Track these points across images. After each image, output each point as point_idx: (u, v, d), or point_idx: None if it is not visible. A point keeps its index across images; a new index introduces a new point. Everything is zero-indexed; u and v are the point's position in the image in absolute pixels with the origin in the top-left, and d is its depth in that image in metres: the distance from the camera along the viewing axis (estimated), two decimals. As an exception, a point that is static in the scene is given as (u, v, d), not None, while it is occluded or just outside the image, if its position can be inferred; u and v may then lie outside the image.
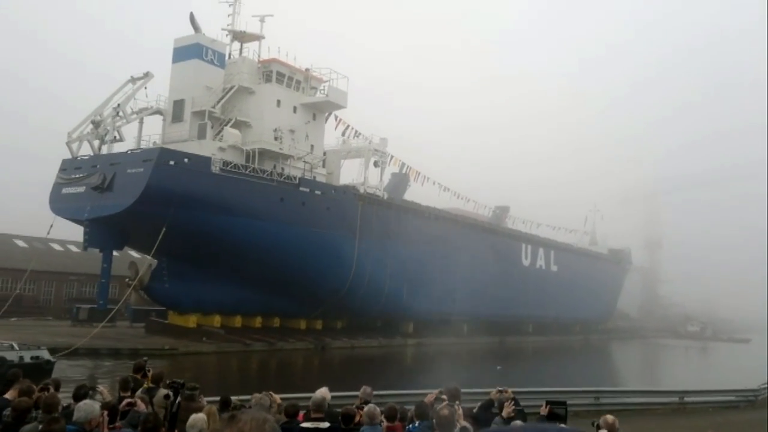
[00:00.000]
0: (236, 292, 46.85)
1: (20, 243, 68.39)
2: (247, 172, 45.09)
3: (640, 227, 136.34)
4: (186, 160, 42.60)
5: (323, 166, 54.53)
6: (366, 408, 7.56)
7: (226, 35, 52.44)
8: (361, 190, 54.54)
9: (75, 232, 47.44)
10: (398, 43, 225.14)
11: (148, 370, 10.78)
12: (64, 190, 45.15)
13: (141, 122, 49.81)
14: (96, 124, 45.88)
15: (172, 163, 42.07)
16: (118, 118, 46.48)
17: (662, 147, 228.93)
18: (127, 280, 45.63)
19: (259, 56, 53.31)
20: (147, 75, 48.51)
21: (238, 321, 48.86)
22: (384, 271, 54.78)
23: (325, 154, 55.26)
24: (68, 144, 46.44)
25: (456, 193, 68.38)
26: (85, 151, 47.36)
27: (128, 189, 41.42)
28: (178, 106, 48.94)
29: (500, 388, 9.39)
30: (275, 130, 49.36)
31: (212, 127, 47.12)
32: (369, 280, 53.39)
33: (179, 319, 46.76)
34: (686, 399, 25.54)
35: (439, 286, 60.77)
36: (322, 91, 53.55)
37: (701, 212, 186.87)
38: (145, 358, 11.96)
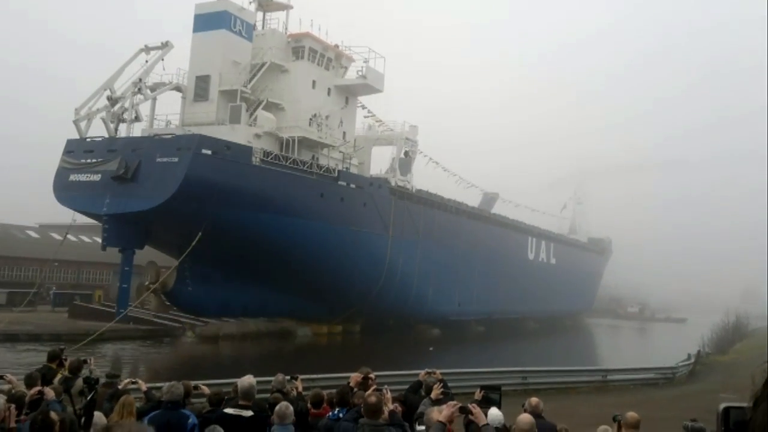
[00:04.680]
0: (262, 294, 41.97)
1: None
2: (287, 163, 39.74)
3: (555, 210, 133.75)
4: (227, 149, 36.86)
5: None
6: (277, 407, 7.02)
7: (250, 2, 46.19)
8: (392, 183, 49.96)
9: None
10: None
11: (65, 359, 10.04)
12: (73, 177, 38.54)
13: (154, 100, 43.33)
14: (112, 101, 39.20)
15: (208, 152, 36.28)
16: (139, 94, 39.90)
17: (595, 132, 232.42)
18: (147, 283, 39.62)
19: (286, 28, 47.32)
20: (166, 45, 41.89)
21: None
22: (413, 271, 50.74)
23: (355, 141, 50.14)
24: (76, 122, 39.59)
25: (458, 178, 64.28)
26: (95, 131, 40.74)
27: (160, 181, 35.43)
28: (202, 82, 42.66)
29: (428, 370, 9.31)
30: (315, 116, 43.85)
31: (247, 111, 41.18)
32: (399, 280, 49.22)
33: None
34: (609, 377, 26.80)
35: (461, 285, 57.25)
36: (359, 72, 48.03)
37: (626, 197, 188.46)
38: (61, 347, 11.06)
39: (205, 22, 42.78)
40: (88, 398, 7.47)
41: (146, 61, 41.86)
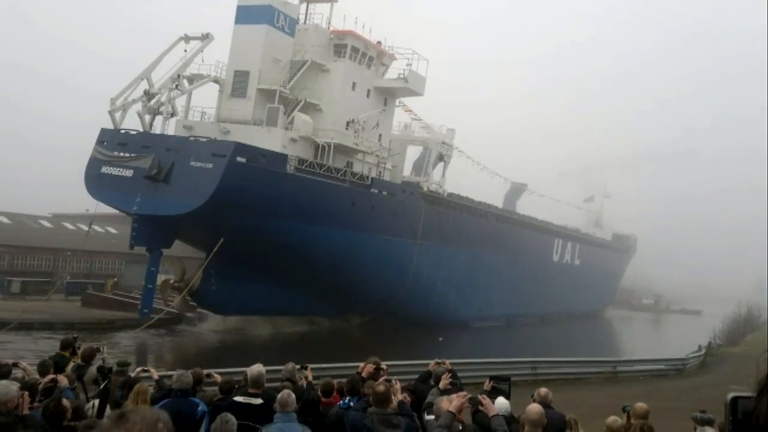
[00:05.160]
0: (285, 295, 41.80)
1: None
2: (321, 171, 38.99)
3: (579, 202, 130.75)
4: (263, 158, 36.15)
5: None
6: (279, 395, 6.80)
7: (294, -8, 44.58)
8: (424, 188, 49.10)
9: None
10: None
11: (78, 347, 10.22)
12: (105, 169, 38.06)
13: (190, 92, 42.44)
14: (149, 96, 38.42)
15: (243, 160, 35.60)
16: (176, 90, 39.07)
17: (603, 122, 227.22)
18: (172, 281, 39.49)
19: (329, 23, 45.87)
20: (207, 37, 40.74)
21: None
22: (437, 276, 50.24)
23: (390, 143, 49.06)
24: (111, 112, 38.94)
25: (483, 167, 63.29)
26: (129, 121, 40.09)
27: (192, 187, 34.85)
28: (241, 78, 41.63)
29: (438, 360, 9.43)
30: (353, 122, 42.79)
31: (285, 113, 40.20)
32: (423, 286, 48.83)
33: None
34: (619, 368, 27.06)
35: (483, 289, 56.71)
36: (401, 75, 46.54)
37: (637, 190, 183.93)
38: (74, 335, 11.23)
39: (247, 14, 41.46)
40: (102, 387, 7.87)
41: (185, 51, 40.91)
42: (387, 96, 47.31)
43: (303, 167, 37.98)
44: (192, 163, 35.49)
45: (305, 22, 45.03)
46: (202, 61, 41.43)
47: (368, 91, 45.45)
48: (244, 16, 41.69)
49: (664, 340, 61.41)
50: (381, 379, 7.91)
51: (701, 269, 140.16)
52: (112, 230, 52.92)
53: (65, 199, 69.64)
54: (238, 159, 35.24)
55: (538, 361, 24.99)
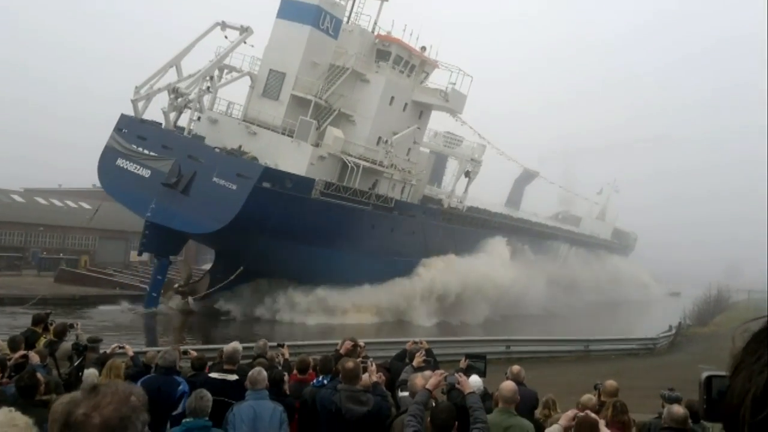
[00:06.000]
0: None
1: None
2: (346, 195, 37.23)
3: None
4: (289, 182, 34.29)
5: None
6: (250, 372, 6.81)
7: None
8: (446, 205, 47.55)
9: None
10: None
11: (51, 323, 10.25)
12: (120, 162, 36.02)
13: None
14: (176, 94, 35.90)
15: (268, 185, 33.70)
16: (206, 91, 36.58)
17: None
18: (176, 285, 38.20)
19: (376, 23, 42.80)
20: (246, 30, 37.95)
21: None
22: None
23: (419, 155, 46.90)
24: (134, 101, 36.51)
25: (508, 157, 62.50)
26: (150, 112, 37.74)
27: (212, 207, 33.06)
28: (275, 79, 38.92)
29: (415, 339, 9.47)
30: (386, 143, 40.56)
31: (317, 128, 37.83)
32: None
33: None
34: (591, 347, 27.31)
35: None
36: (443, 92, 43.62)
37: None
38: (47, 311, 11.19)
39: (292, 10, 38.26)
40: (76, 364, 7.88)
41: (226, 37, 38.17)
42: (423, 109, 44.82)
43: (328, 191, 36.18)
44: (215, 179, 33.55)
45: (349, 21, 41.89)
46: (252, 47, 38.94)
47: (405, 104, 42.93)
48: (288, 11, 38.55)
49: (642, 319, 61.82)
50: (359, 358, 7.95)
51: (686, 257, 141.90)
52: (86, 206, 51.44)
53: (37, 173, 68.72)
54: (264, 184, 33.36)
55: (512, 340, 25.31)
